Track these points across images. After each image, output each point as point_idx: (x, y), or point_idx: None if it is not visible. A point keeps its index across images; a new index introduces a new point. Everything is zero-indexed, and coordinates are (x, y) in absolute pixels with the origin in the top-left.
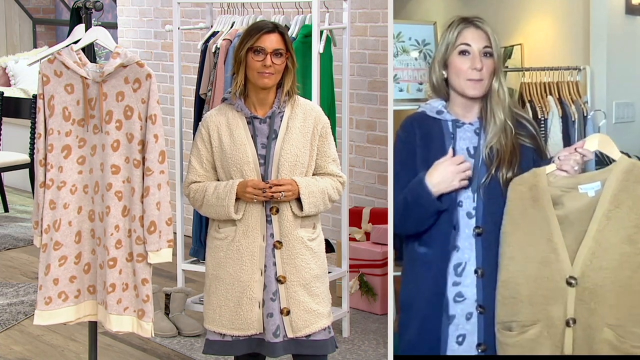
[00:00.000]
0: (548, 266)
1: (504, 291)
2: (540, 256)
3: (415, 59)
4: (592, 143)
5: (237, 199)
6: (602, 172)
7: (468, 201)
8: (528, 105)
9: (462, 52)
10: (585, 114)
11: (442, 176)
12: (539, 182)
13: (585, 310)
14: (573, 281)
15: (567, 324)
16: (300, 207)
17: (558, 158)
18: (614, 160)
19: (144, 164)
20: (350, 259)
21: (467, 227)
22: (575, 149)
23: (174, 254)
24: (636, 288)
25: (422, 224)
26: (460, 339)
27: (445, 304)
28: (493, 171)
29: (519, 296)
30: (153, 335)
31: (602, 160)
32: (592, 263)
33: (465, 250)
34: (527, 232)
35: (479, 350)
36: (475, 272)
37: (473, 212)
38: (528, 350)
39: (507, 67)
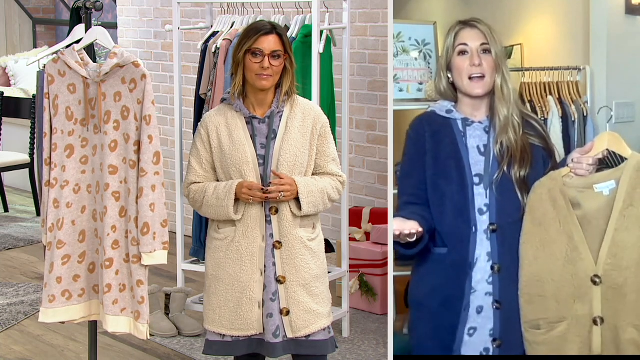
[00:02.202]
0: (573, 264)
1: (530, 290)
2: (564, 254)
3: (415, 59)
4: (602, 142)
5: (237, 200)
6: (616, 170)
7: (480, 198)
8: (528, 105)
9: (461, 53)
10: (585, 114)
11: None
12: (555, 185)
13: (611, 309)
14: (597, 280)
15: (595, 322)
16: (299, 207)
17: (572, 160)
18: (625, 159)
19: (139, 164)
20: (350, 259)
21: (478, 224)
22: (587, 152)
23: (174, 254)
24: None
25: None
26: (471, 332)
27: (462, 298)
28: (505, 168)
29: (546, 294)
30: (148, 337)
31: (608, 160)
32: (612, 262)
33: (477, 247)
34: (550, 231)
35: (494, 345)
36: (492, 268)
37: (485, 209)
38: (556, 348)
39: None
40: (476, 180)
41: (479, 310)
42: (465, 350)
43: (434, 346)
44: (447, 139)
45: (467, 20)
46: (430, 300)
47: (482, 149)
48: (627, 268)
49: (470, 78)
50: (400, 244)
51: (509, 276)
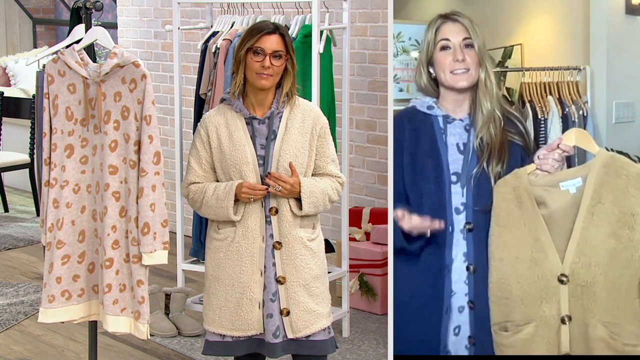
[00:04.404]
0: (538, 265)
1: (496, 292)
2: (529, 256)
3: (415, 59)
4: (570, 138)
5: (236, 200)
6: (582, 167)
7: (457, 197)
8: (528, 105)
9: (444, 48)
10: (585, 114)
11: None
12: (521, 183)
13: (579, 307)
14: (564, 279)
15: (563, 321)
16: (300, 207)
17: (537, 157)
18: (592, 155)
19: (139, 164)
20: (350, 259)
21: (455, 223)
22: (554, 148)
23: (174, 254)
24: (627, 285)
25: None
26: (456, 331)
27: (442, 299)
28: (484, 164)
29: (512, 296)
30: (149, 337)
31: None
32: (580, 260)
33: (453, 247)
34: (515, 233)
35: (470, 343)
36: (467, 268)
37: (461, 208)
38: (524, 350)
39: (507, 67)
40: (453, 178)
41: (461, 309)
42: (453, 349)
43: (421, 347)
44: (426, 137)
45: (448, 14)
46: (411, 302)
47: (462, 147)
48: (596, 265)
49: (452, 72)
50: (407, 239)
51: (484, 277)
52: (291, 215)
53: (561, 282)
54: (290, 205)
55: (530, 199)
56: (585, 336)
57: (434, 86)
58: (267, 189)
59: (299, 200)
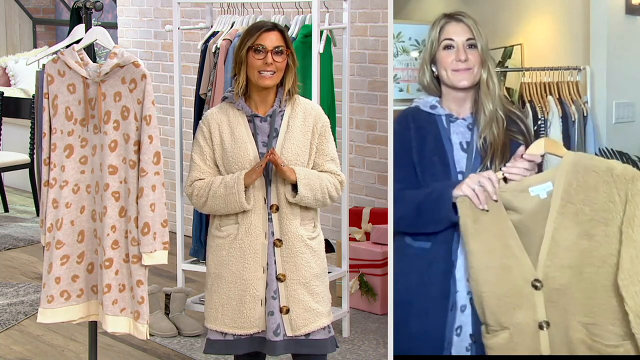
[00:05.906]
0: (509, 272)
1: (474, 297)
2: (499, 263)
3: (415, 59)
4: (539, 147)
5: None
6: (550, 171)
7: None
8: (528, 105)
9: (447, 47)
10: (585, 114)
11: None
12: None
13: (557, 311)
14: (538, 284)
15: (540, 327)
16: (294, 194)
17: (505, 165)
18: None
19: (139, 164)
20: (350, 259)
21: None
22: (520, 156)
23: (174, 254)
24: (603, 283)
25: (434, 228)
26: (458, 331)
27: (448, 295)
28: (488, 163)
29: (485, 303)
30: (148, 337)
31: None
32: (553, 263)
33: (460, 244)
34: (483, 241)
35: (472, 340)
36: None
37: None
38: (501, 352)
39: (507, 67)
40: (460, 177)
41: (463, 308)
42: (454, 349)
43: (424, 347)
44: (430, 136)
45: (452, 14)
46: (415, 299)
47: (465, 146)
48: (569, 267)
49: (455, 70)
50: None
51: None
52: (291, 213)
53: (535, 287)
54: (284, 192)
55: (497, 205)
56: (566, 339)
57: (437, 85)
58: (267, 157)
59: (294, 189)
